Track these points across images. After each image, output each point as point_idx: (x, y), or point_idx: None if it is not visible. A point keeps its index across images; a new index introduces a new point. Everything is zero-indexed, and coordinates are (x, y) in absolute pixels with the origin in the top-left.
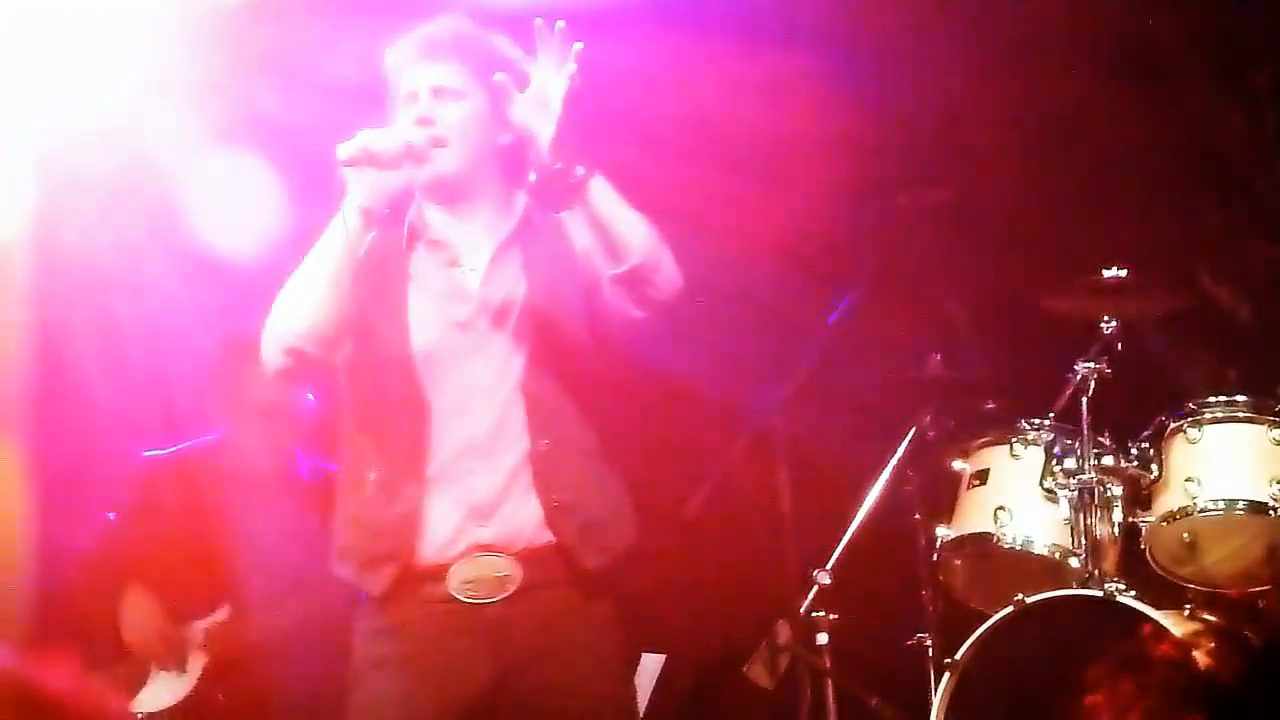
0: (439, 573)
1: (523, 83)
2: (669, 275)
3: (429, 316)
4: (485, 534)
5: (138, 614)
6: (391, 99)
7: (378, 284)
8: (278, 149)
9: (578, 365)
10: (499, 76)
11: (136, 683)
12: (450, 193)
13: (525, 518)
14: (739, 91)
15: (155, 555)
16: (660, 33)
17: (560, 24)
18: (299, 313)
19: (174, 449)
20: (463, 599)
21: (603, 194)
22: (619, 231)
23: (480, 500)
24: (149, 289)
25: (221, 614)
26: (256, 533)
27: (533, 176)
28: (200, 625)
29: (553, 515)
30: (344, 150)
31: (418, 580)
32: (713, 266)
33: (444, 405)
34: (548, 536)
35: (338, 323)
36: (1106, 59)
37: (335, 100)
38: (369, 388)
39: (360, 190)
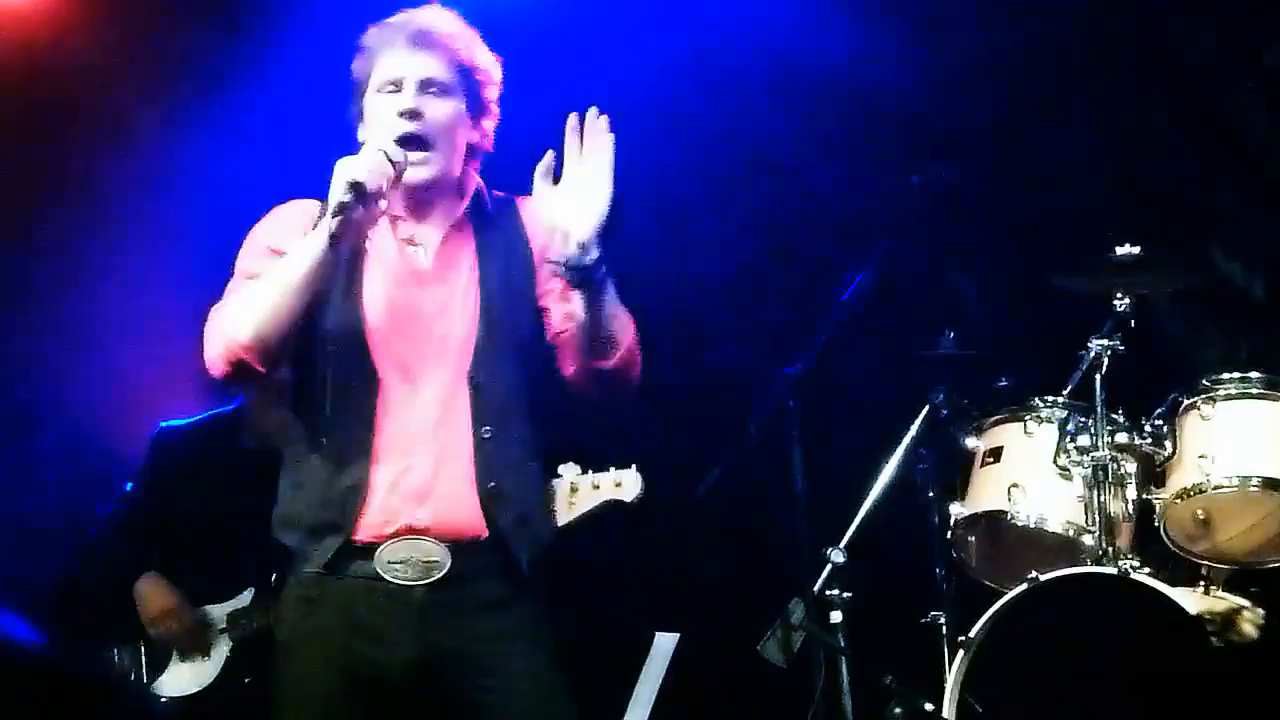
0: (369, 550)
1: (490, 84)
2: (634, 378)
3: (383, 291)
4: (421, 516)
5: (153, 597)
6: (365, 78)
7: (338, 261)
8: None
9: (527, 355)
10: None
11: (161, 661)
12: (429, 187)
13: (461, 506)
14: (755, 76)
15: (174, 525)
16: (671, 27)
17: (596, 114)
18: (245, 324)
19: (192, 419)
20: (388, 579)
21: (609, 292)
22: (613, 331)
23: (418, 483)
24: (165, 258)
25: (245, 597)
26: (269, 503)
27: (561, 269)
28: (223, 609)
29: (488, 504)
30: (336, 194)
31: (349, 555)
32: (726, 247)
33: (394, 381)
34: (481, 528)
35: (284, 338)
36: (1123, 37)
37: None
38: (324, 357)
39: (339, 224)
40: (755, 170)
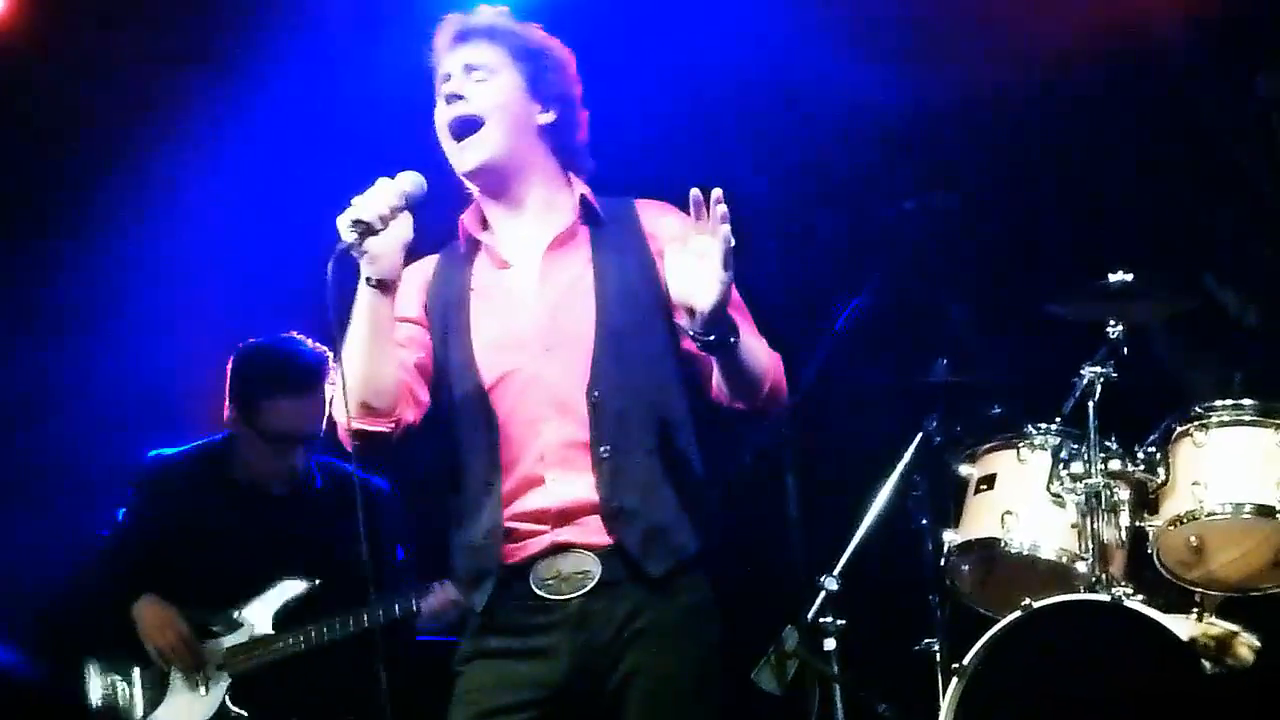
0: (522, 571)
1: (556, 67)
2: (779, 405)
3: (488, 324)
4: (564, 533)
5: (155, 618)
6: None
7: (444, 305)
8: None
9: (655, 366)
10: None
11: (155, 693)
12: (499, 178)
13: (593, 525)
14: (748, 101)
15: (168, 554)
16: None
17: (717, 192)
18: (346, 404)
19: (183, 448)
20: (544, 595)
21: (742, 348)
22: (752, 378)
23: (554, 506)
24: (160, 290)
25: (242, 634)
26: (265, 538)
27: (691, 338)
28: (221, 643)
29: (612, 522)
30: (345, 234)
31: (505, 579)
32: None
33: (513, 417)
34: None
35: (386, 397)
36: (1116, 63)
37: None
38: (448, 410)
39: (369, 266)
40: (747, 196)
